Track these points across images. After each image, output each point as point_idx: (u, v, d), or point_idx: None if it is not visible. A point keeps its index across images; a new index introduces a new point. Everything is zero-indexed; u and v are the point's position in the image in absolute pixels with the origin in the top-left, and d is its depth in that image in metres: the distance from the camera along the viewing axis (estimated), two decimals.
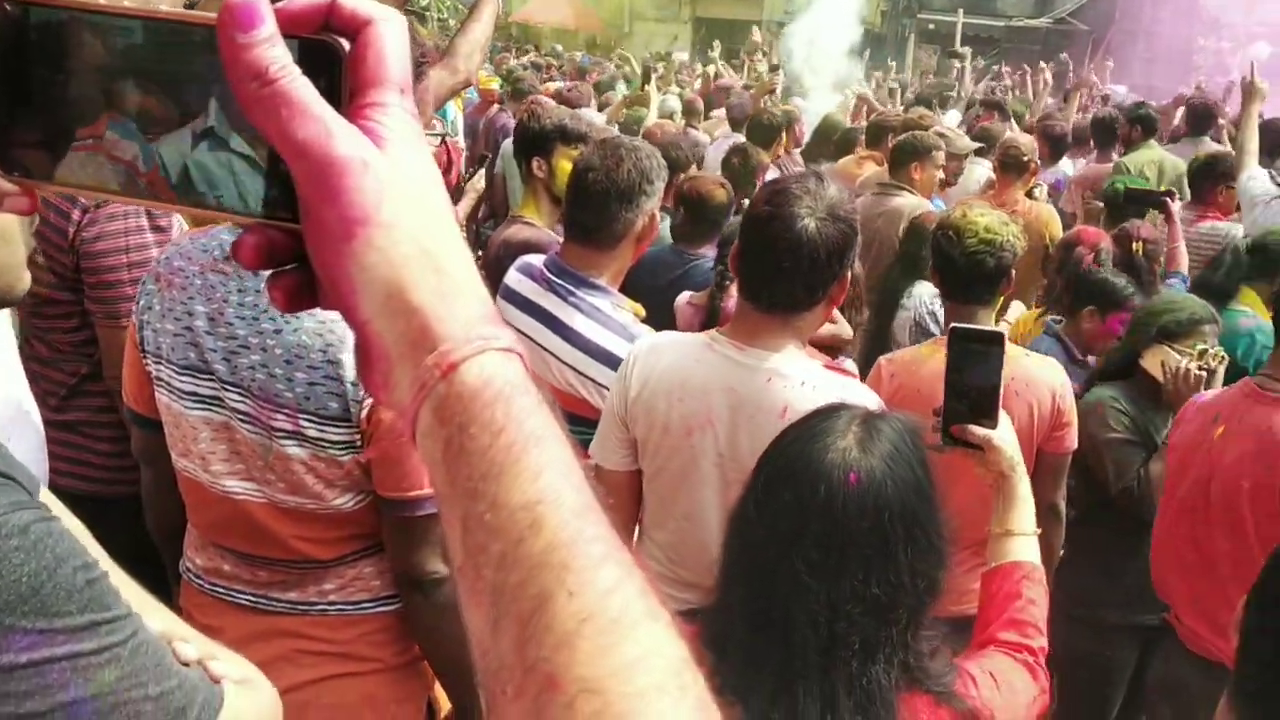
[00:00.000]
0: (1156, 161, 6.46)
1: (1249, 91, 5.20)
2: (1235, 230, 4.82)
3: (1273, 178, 4.85)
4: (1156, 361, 3.01)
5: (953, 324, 1.86)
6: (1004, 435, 1.75)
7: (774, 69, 10.18)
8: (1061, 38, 18.68)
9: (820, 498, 1.33)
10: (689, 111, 8.79)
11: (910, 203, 4.85)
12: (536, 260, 2.66)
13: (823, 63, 12.15)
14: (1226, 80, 9.94)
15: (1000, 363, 1.75)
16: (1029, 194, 5.51)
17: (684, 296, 3.56)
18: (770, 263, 2.02)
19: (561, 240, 2.76)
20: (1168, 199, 4.58)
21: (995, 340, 1.77)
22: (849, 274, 2.09)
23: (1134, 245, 4.05)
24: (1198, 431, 2.66)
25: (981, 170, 5.69)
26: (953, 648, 1.48)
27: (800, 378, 2.02)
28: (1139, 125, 6.89)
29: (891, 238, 4.88)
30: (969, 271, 2.79)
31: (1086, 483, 3.04)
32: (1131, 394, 3.09)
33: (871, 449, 1.36)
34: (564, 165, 3.19)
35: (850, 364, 3.71)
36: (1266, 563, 1.29)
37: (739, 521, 1.42)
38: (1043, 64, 10.24)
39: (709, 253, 3.72)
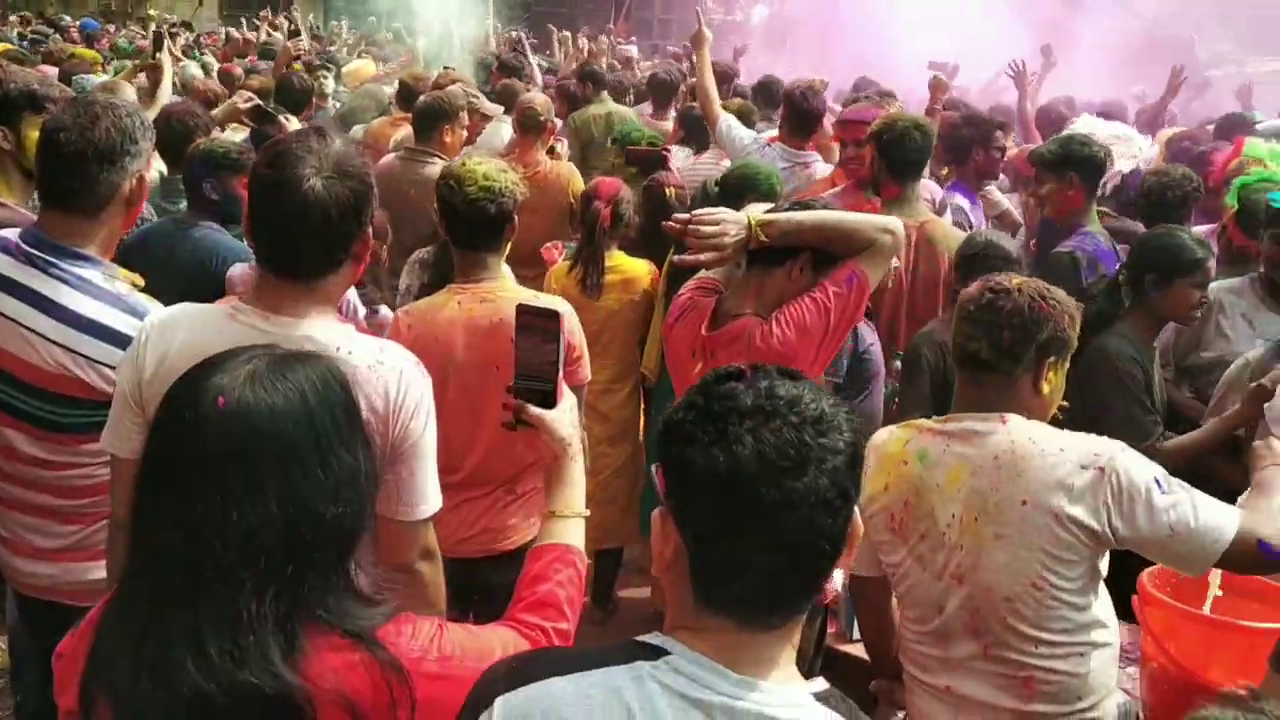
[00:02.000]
0: (604, 114, 7.28)
1: (698, 39, 5.61)
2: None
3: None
4: None
5: (518, 303, 1.86)
6: (559, 416, 1.79)
7: (294, 34, 9.85)
8: (588, 1, 19.58)
9: (184, 421, 1.32)
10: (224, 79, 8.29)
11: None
12: (10, 233, 2.41)
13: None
14: (741, 44, 10.88)
15: (557, 339, 1.76)
16: (550, 151, 5.73)
17: (237, 268, 3.42)
18: (281, 228, 1.94)
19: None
20: (665, 153, 5.04)
21: (552, 317, 1.77)
22: (369, 231, 2.03)
23: (667, 191, 4.58)
24: None
25: (507, 129, 5.85)
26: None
27: (335, 344, 1.95)
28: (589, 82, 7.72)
29: (426, 208, 4.87)
30: (471, 218, 2.90)
31: None
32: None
33: (261, 381, 1.34)
34: (33, 136, 2.81)
35: (386, 312, 3.73)
36: None
37: (145, 446, 1.40)
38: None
39: None
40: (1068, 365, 2.35)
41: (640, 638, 1.24)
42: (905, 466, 2.32)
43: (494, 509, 3.05)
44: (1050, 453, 2.17)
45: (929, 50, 6.53)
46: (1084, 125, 5.34)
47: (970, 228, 4.55)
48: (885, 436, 2.41)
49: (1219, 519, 2.11)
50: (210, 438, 1.29)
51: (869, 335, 3.59)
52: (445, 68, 8.39)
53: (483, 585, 2.85)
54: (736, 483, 1.15)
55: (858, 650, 2.84)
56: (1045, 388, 2.28)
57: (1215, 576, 2.54)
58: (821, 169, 5.15)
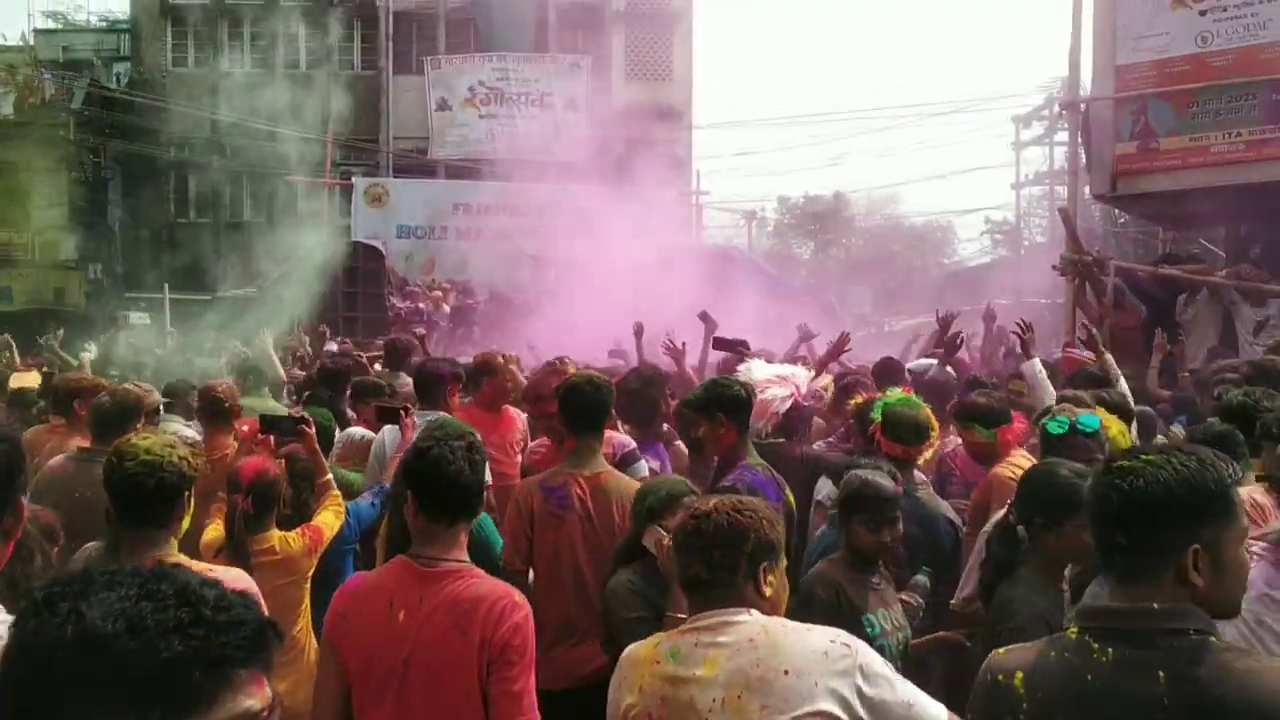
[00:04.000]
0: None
1: None
2: None
3: None
4: (651, 540, 3.33)
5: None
6: None
7: None
8: (270, 304, 19.73)
9: None
10: None
11: None
12: None
13: None
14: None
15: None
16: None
17: None
18: None
19: None
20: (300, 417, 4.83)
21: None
22: (21, 501, 1.94)
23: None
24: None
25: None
26: None
27: None
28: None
29: (102, 507, 4.61)
30: (130, 493, 2.84)
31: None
32: (644, 572, 3.40)
33: None
34: None
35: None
36: None
37: None
38: None
39: None
40: (784, 563, 2.52)
41: None
42: (657, 666, 2.40)
43: None
44: (800, 630, 2.34)
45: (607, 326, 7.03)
46: (755, 368, 5.82)
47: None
48: (634, 647, 2.50)
49: (938, 709, 2.30)
50: None
51: None
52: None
53: None
54: None
55: None
56: (768, 590, 2.43)
57: None
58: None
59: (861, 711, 2.25)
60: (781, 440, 5.25)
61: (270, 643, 1.22)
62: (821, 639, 2.32)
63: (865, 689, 2.25)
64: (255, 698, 1.19)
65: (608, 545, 4.03)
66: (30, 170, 25.99)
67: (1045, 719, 1.92)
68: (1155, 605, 1.88)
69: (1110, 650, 1.89)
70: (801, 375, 5.78)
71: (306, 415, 4.64)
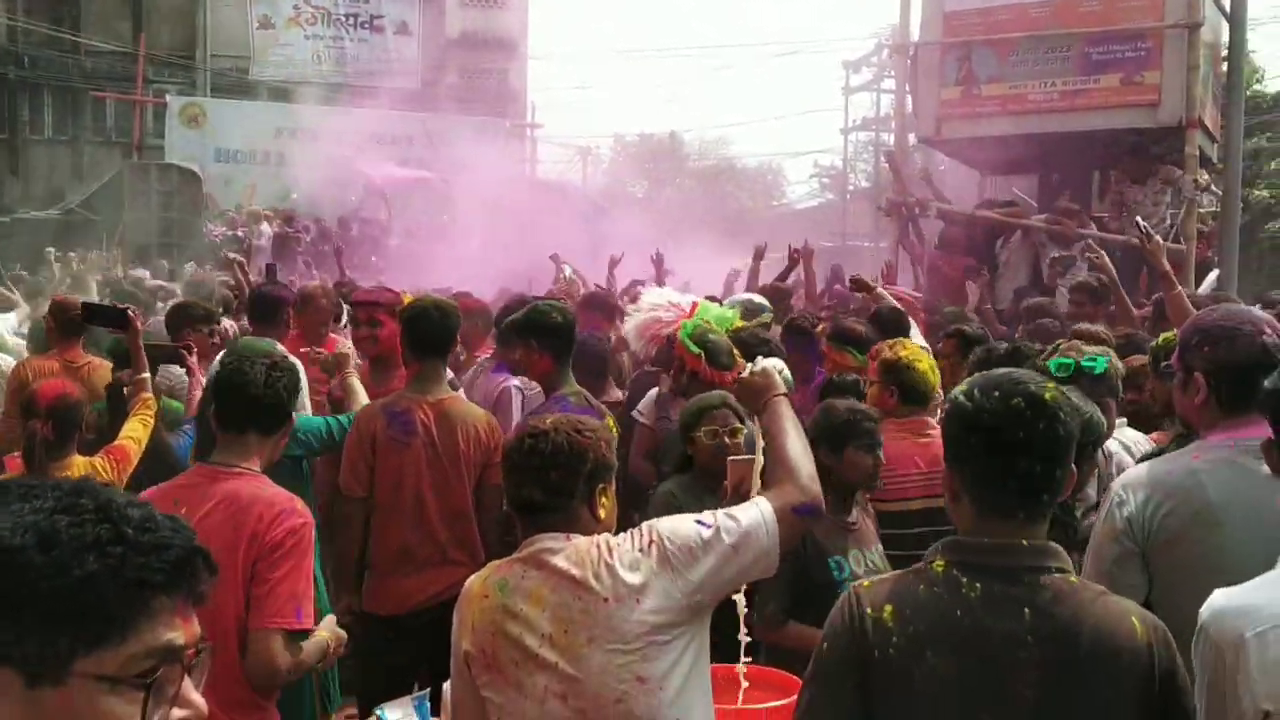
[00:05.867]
0: None
1: None
2: None
3: None
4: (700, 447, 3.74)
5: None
6: None
7: None
8: (74, 229, 18.64)
9: None
10: None
11: None
12: None
13: None
14: None
15: None
16: None
17: None
18: None
19: None
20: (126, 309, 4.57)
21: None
22: None
23: None
24: None
25: None
26: None
27: None
28: None
29: None
30: None
31: None
32: (688, 484, 3.76)
33: None
34: None
35: None
36: None
37: None
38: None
39: None
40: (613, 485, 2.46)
41: None
42: (486, 600, 2.33)
43: None
44: (615, 544, 2.29)
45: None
46: (653, 294, 5.73)
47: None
48: (469, 581, 2.43)
49: (754, 512, 2.31)
50: None
51: None
52: None
53: None
54: None
55: None
56: (602, 513, 2.39)
57: (743, 671, 2.79)
58: None
59: (695, 594, 2.26)
60: (657, 370, 5.26)
61: (199, 571, 1.12)
62: (628, 544, 2.29)
63: (689, 574, 2.24)
64: (177, 630, 1.09)
65: (452, 473, 3.98)
66: None
67: (916, 652, 1.91)
68: (1024, 542, 1.94)
69: (978, 585, 1.92)
70: (684, 300, 5.75)
71: (132, 307, 4.41)
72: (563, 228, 12.76)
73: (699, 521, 2.31)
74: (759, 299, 6.71)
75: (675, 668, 2.25)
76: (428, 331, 4.14)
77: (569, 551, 2.29)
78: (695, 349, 4.52)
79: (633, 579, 2.24)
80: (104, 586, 1.04)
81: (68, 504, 1.07)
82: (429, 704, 2.72)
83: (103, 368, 5.15)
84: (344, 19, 25.71)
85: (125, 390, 4.22)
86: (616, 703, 2.22)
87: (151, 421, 4.08)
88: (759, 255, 8.97)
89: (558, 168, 33.12)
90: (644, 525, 2.35)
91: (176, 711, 1.10)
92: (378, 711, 2.63)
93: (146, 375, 4.20)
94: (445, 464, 3.98)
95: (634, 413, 5.02)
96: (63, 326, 5.56)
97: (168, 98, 23.45)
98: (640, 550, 2.28)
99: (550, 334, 4.14)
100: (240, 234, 17.33)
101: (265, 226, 17.48)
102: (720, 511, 2.35)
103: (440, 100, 23.70)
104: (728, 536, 2.28)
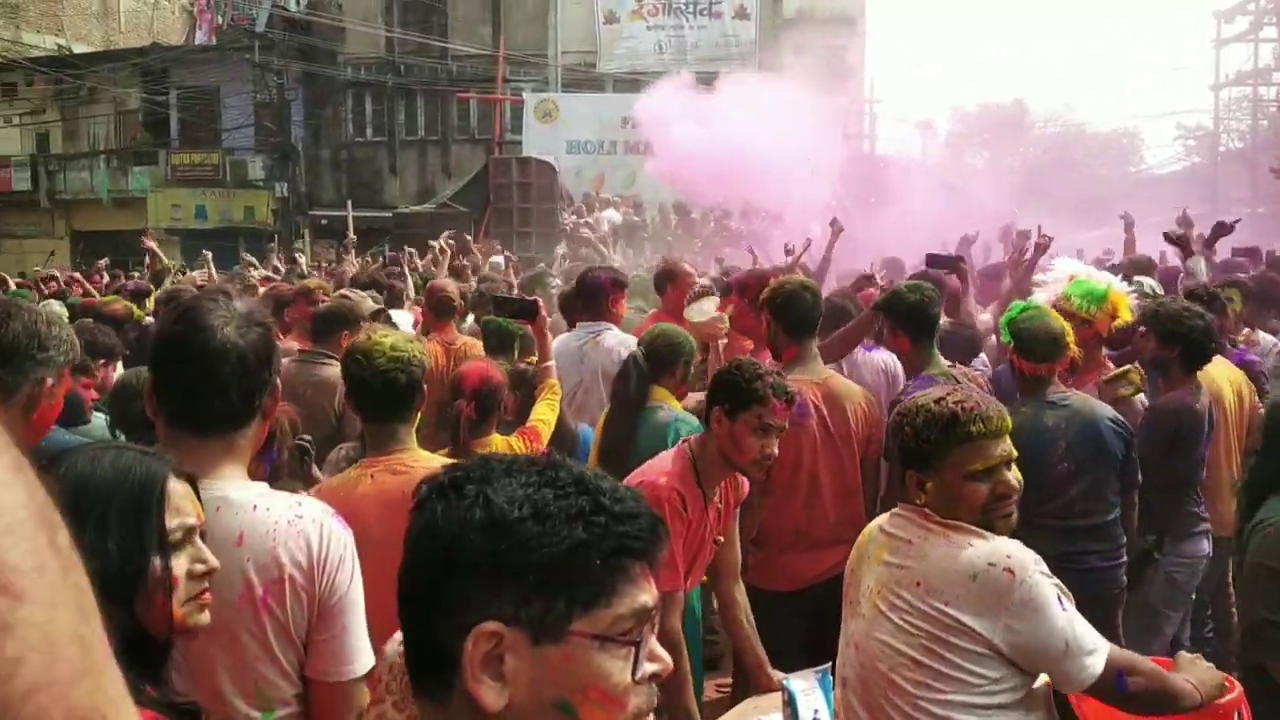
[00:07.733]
0: None
1: None
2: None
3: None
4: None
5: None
6: None
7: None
8: (445, 220, 20.20)
9: None
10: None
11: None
12: None
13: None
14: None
15: None
16: None
17: None
18: (198, 378, 1.90)
19: None
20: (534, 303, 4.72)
21: None
22: (278, 384, 2.03)
23: None
24: None
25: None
26: None
27: (251, 501, 1.91)
28: None
29: (324, 407, 4.85)
30: (380, 388, 2.86)
31: None
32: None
33: None
34: None
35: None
36: None
37: None
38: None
39: None
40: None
41: None
42: (863, 539, 2.54)
43: None
44: (961, 544, 2.26)
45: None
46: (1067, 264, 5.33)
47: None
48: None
49: (1099, 640, 2.23)
50: None
51: None
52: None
53: None
54: None
55: None
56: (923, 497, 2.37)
57: None
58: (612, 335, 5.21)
59: (996, 642, 2.25)
60: None
61: (661, 538, 1.17)
62: (980, 558, 2.26)
63: (1011, 621, 2.25)
64: (648, 593, 1.15)
65: (845, 452, 4.01)
66: (219, 94, 27.25)
67: None
68: None
69: None
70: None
71: (538, 298, 4.66)
72: (916, 207, 12.42)
73: (1059, 599, 2.24)
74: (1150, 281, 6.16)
75: (954, 674, 2.29)
76: (803, 312, 4.20)
77: (919, 523, 2.42)
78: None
79: (952, 590, 2.34)
80: (591, 553, 1.11)
81: (549, 477, 1.15)
82: (830, 676, 2.77)
83: (475, 345, 5.55)
84: (684, 7, 26.37)
85: (528, 376, 4.53)
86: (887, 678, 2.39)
87: (558, 406, 4.37)
88: (1129, 225, 8.36)
89: (895, 144, 32.33)
90: (1021, 554, 2.30)
91: (648, 665, 1.16)
92: (784, 682, 2.70)
93: (552, 363, 4.47)
94: (838, 443, 4.02)
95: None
96: (436, 309, 5.99)
97: (524, 95, 25.02)
98: (991, 564, 2.27)
99: (902, 314, 4.22)
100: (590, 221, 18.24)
101: (611, 213, 18.26)
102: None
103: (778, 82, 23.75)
104: (1070, 638, 2.25)
